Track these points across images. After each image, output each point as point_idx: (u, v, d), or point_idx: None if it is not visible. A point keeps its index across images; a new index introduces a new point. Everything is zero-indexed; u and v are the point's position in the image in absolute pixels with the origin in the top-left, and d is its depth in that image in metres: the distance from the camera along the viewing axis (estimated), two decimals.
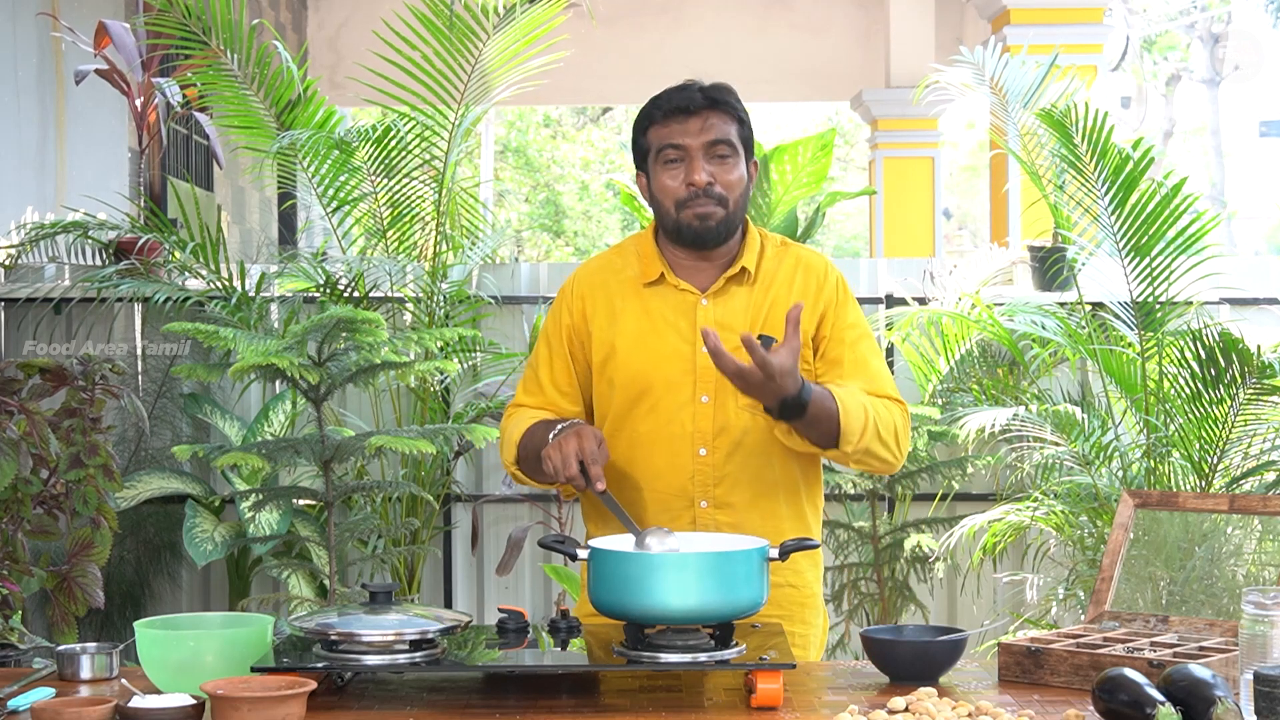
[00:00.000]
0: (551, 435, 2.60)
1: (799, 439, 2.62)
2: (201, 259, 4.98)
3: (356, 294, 5.01)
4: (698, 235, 2.68)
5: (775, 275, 2.74)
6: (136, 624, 2.33)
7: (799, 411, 2.52)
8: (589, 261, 2.85)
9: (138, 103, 5.33)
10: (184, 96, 5.31)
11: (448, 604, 5.46)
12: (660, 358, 2.70)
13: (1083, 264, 4.73)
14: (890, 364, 5.42)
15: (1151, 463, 4.47)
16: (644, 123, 2.73)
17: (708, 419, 2.69)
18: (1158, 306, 4.47)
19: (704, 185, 2.65)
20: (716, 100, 2.68)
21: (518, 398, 2.83)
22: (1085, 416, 4.73)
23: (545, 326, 2.83)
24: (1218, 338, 4.20)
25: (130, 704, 2.10)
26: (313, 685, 2.12)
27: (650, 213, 2.80)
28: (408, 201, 5.14)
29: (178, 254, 5.01)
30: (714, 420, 2.69)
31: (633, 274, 2.77)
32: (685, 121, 2.67)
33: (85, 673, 2.45)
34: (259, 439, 5.00)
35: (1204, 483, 4.39)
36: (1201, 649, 2.41)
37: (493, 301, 5.30)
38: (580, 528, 5.12)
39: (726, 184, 2.67)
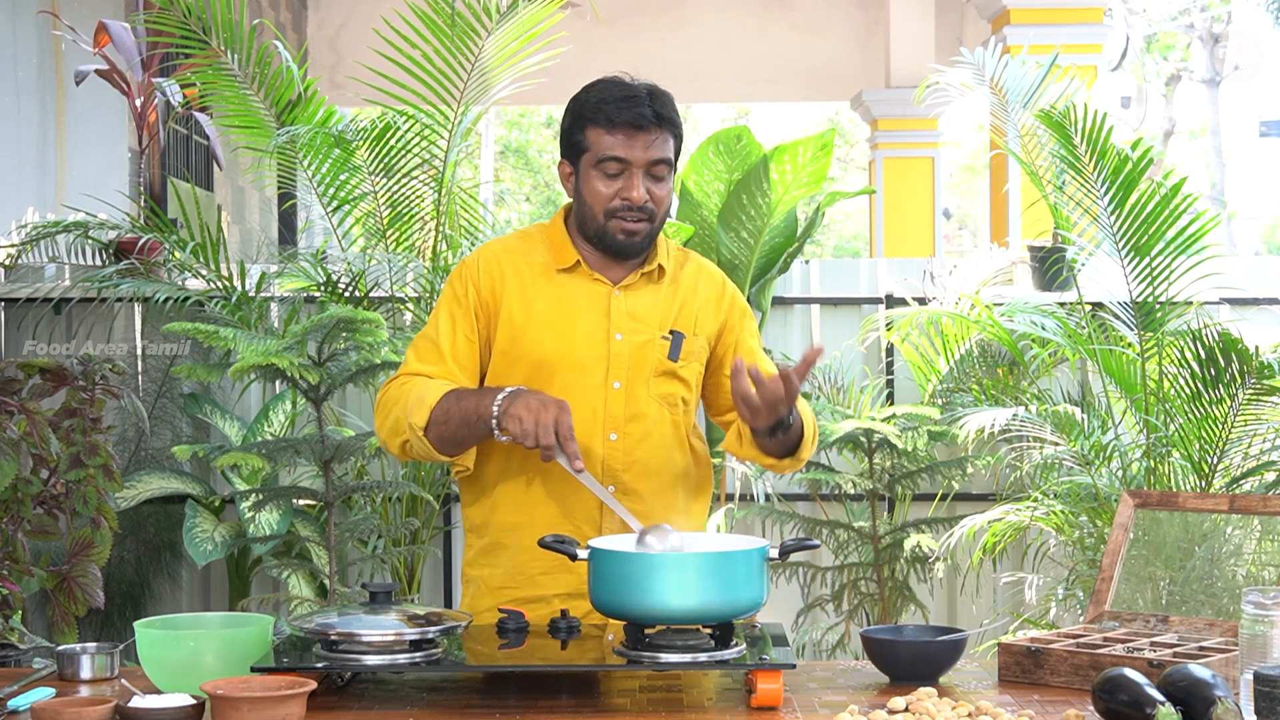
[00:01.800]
0: (501, 396, 2.54)
1: (754, 449, 2.70)
2: (201, 259, 4.98)
3: (357, 294, 5.01)
4: (620, 249, 2.71)
5: (681, 277, 2.80)
6: (136, 624, 2.33)
7: (784, 430, 2.60)
8: (492, 243, 2.82)
9: (138, 103, 5.33)
10: (184, 97, 5.31)
11: (448, 604, 5.46)
12: (573, 342, 2.71)
13: (1082, 264, 4.73)
14: (890, 364, 5.43)
15: (1151, 463, 4.47)
16: (583, 119, 2.70)
17: (619, 404, 2.71)
18: (1157, 306, 4.47)
19: (641, 204, 2.67)
20: (663, 117, 2.68)
21: (411, 366, 2.73)
22: (1085, 416, 4.73)
23: (445, 301, 2.76)
24: (1217, 338, 4.20)
25: (130, 704, 2.11)
26: (313, 685, 2.12)
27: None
28: (407, 201, 5.14)
29: (178, 254, 5.01)
30: (626, 406, 2.71)
31: (541, 259, 2.76)
32: (633, 136, 2.66)
33: (85, 673, 2.45)
34: (259, 439, 5.00)
35: (1204, 483, 4.39)
36: (1201, 649, 2.41)
37: None
38: None
39: (658, 200, 2.70)
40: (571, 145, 2.73)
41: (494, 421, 2.53)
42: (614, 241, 2.70)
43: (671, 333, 2.72)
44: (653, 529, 2.46)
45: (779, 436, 2.62)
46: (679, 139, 2.73)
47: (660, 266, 2.77)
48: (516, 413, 2.50)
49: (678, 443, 2.77)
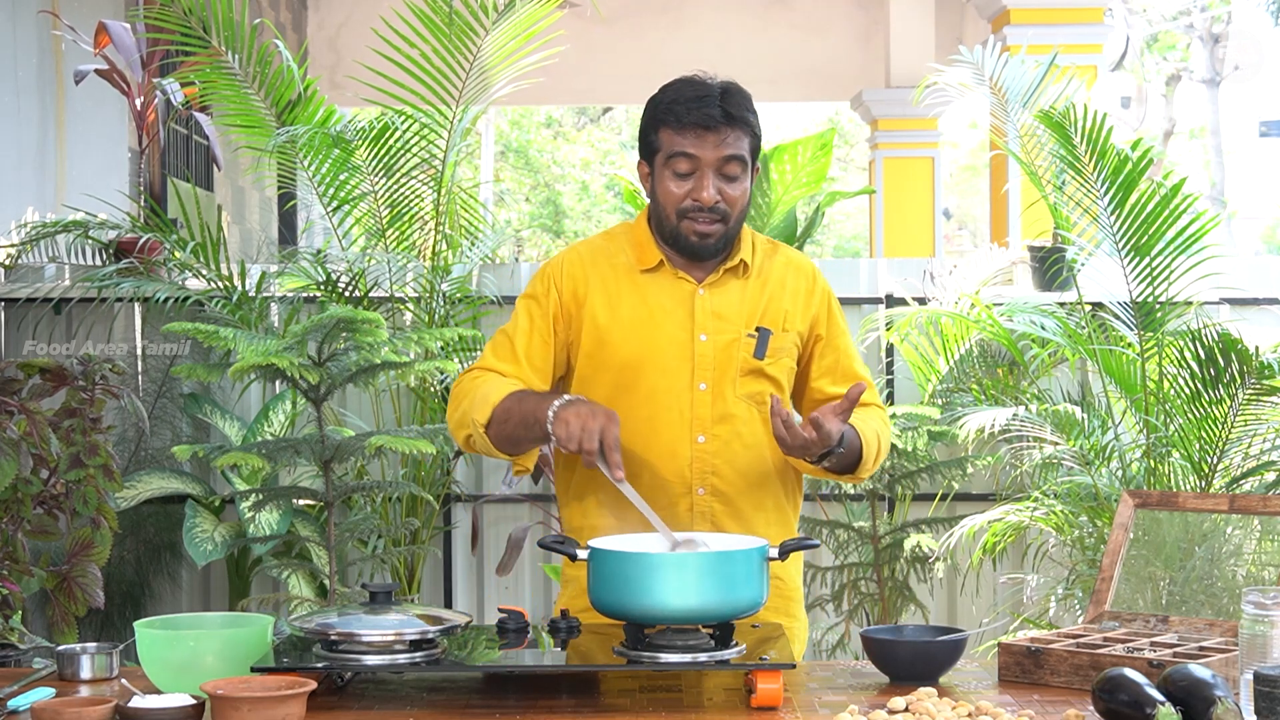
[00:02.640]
0: (558, 403, 2.54)
1: (816, 469, 2.67)
2: (202, 259, 4.98)
3: (357, 294, 5.01)
4: (694, 250, 2.71)
5: (768, 272, 2.77)
6: (136, 624, 2.33)
7: (833, 457, 2.61)
8: (578, 245, 2.83)
9: (138, 103, 5.33)
10: (184, 96, 5.31)
11: (448, 604, 5.46)
12: (658, 344, 2.70)
13: (1082, 264, 4.73)
14: (890, 364, 5.43)
15: (1151, 463, 4.47)
16: (657, 121, 2.69)
17: (706, 406, 2.70)
18: (1157, 306, 4.47)
19: (711, 204, 2.65)
20: (734, 116, 2.65)
21: (486, 361, 2.75)
22: (1085, 416, 4.73)
23: (525, 302, 2.77)
24: (1217, 338, 4.19)
25: (130, 704, 2.11)
26: (313, 685, 2.12)
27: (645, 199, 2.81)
28: (407, 201, 5.13)
29: (178, 253, 5.01)
30: (713, 408, 2.70)
31: (626, 260, 2.76)
32: (703, 135, 2.64)
33: (85, 673, 2.45)
34: (259, 439, 5.00)
35: (1204, 483, 4.39)
36: (1201, 649, 2.41)
37: (493, 301, 5.30)
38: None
39: (731, 200, 2.67)
40: (647, 145, 2.72)
41: (548, 426, 2.53)
42: (687, 243, 2.69)
43: (757, 329, 2.69)
44: (684, 541, 2.48)
45: (829, 462, 2.62)
46: (756, 138, 2.70)
47: (743, 262, 2.74)
48: (565, 417, 2.51)
49: (769, 441, 2.72)
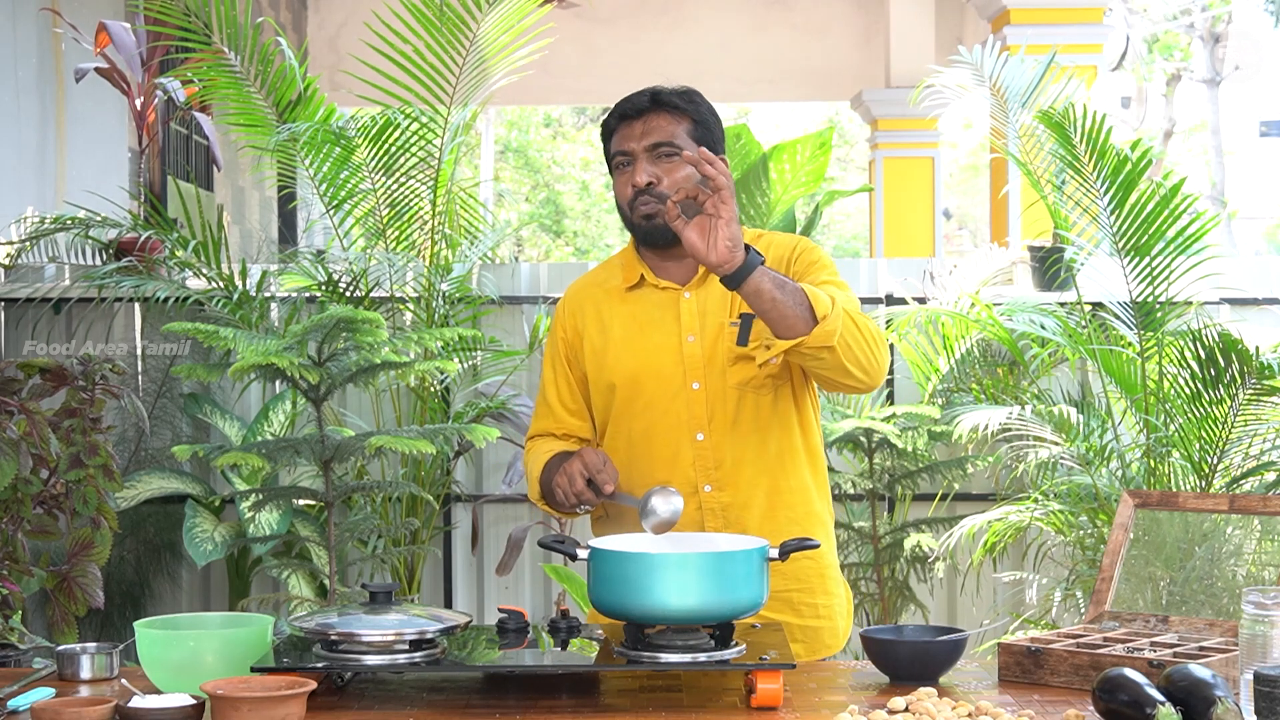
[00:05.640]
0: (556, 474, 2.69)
1: (777, 340, 2.52)
2: (202, 258, 4.98)
3: (357, 293, 5.01)
4: (647, 234, 2.75)
5: None
6: (136, 624, 2.33)
7: (751, 266, 2.45)
8: (577, 280, 2.94)
9: (138, 102, 5.33)
10: (186, 96, 5.30)
11: (448, 604, 5.46)
12: (648, 353, 2.76)
13: (1082, 264, 4.73)
14: (890, 364, 5.42)
15: (1151, 463, 4.47)
16: (605, 132, 2.80)
17: (701, 404, 2.74)
18: (1157, 306, 4.47)
19: (644, 185, 2.71)
20: (662, 102, 2.74)
21: (532, 428, 2.92)
22: (1084, 417, 4.73)
23: (546, 349, 2.91)
24: (1217, 338, 4.20)
25: (130, 704, 2.11)
26: (313, 685, 2.12)
27: None
28: (406, 200, 5.12)
29: (179, 252, 5.01)
30: (707, 405, 2.74)
31: (617, 283, 2.84)
32: (630, 125, 2.74)
33: (85, 673, 2.45)
34: (259, 439, 5.00)
35: (1204, 483, 4.39)
36: (1201, 649, 2.41)
37: (493, 301, 5.30)
38: (579, 527, 5.12)
39: (672, 183, 2.70)
40: (608, 161, 2.81)
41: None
42: (641, 231, 2.75)
43: (741, 317, 2.64)
44: (657, 490, 2.53)
45: (757, 277, 2.45)
46: (699, 124, 2.75)
47: None
48: (556, 482, 2.67)
49: (779, 422, 2.74)
